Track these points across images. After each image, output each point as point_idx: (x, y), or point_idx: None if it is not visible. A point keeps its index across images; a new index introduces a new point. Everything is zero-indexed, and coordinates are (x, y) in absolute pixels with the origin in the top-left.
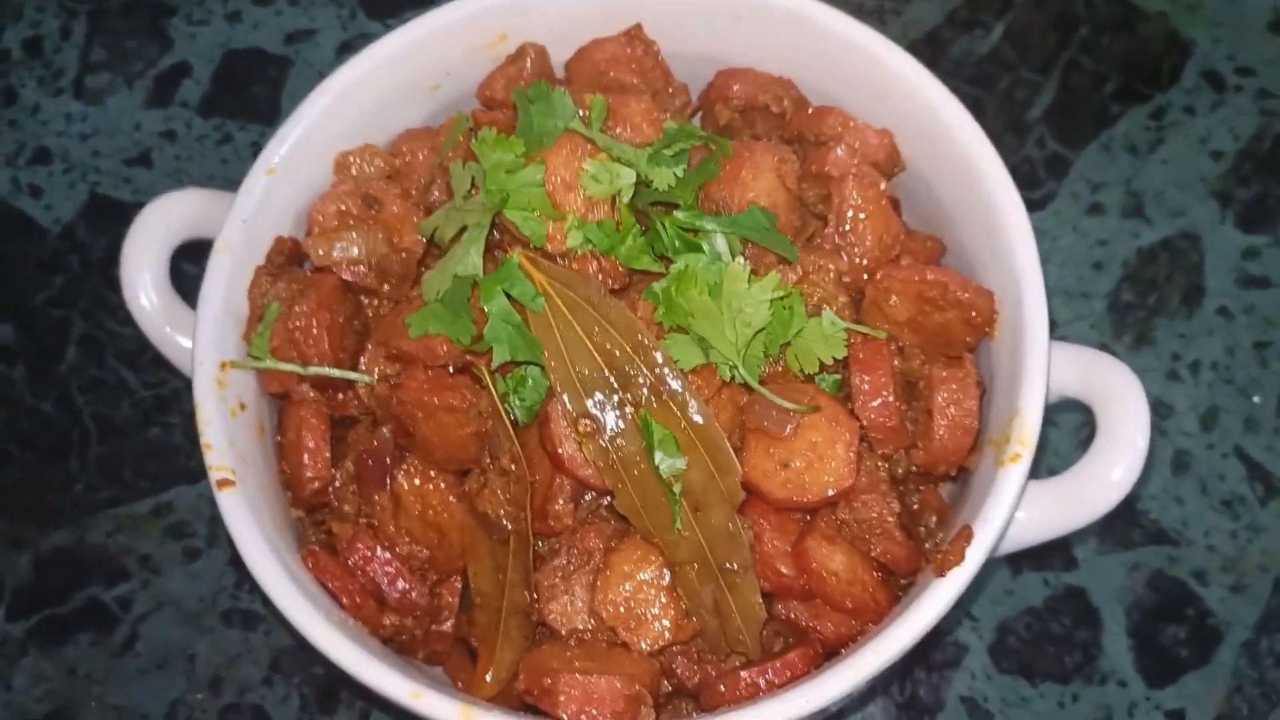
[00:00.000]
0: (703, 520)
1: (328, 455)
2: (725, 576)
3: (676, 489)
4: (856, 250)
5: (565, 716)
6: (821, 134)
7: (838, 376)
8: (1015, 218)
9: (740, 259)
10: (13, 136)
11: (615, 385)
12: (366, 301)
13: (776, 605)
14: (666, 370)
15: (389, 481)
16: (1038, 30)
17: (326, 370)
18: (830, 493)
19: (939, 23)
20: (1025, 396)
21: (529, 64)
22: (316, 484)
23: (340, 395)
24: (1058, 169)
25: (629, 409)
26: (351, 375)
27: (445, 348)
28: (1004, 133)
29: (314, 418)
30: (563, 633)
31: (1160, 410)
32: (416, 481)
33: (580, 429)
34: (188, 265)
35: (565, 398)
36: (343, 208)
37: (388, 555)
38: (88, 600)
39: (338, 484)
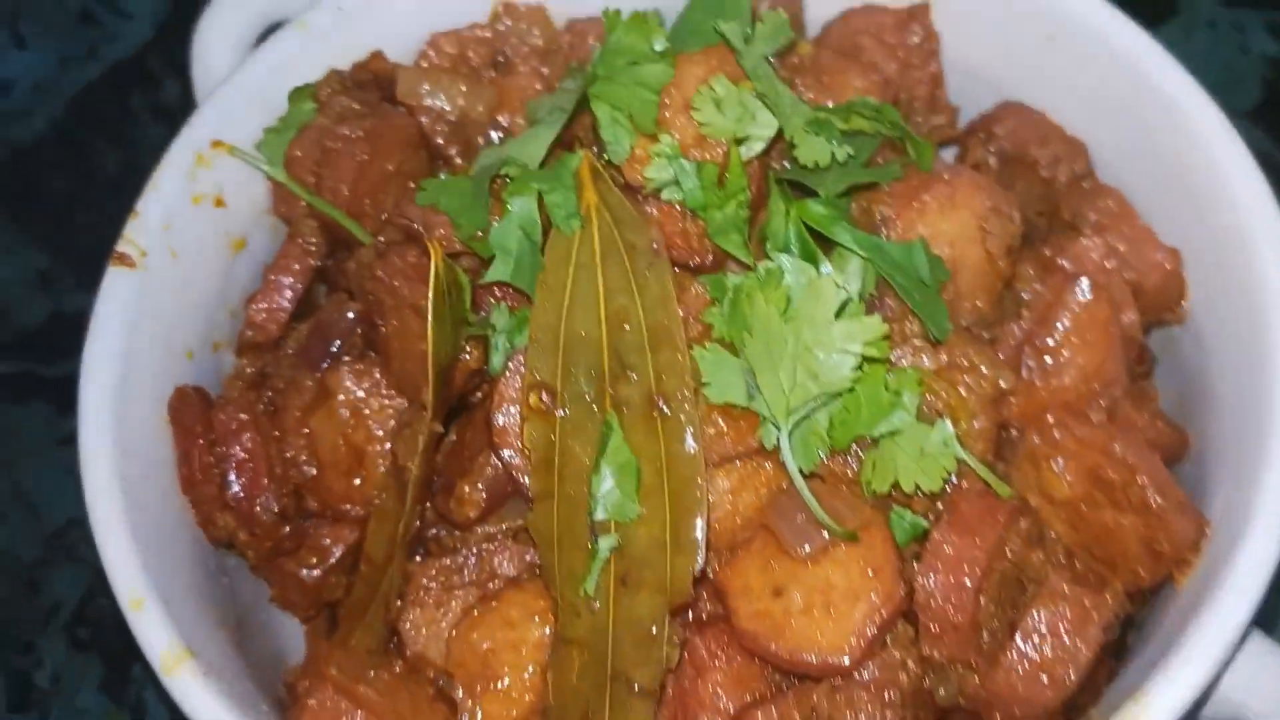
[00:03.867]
0: (623, 601)
1: (287, 307)
2: (615, 690)
3: (606, 541)
4: (1045, 377)
5: None
6: (1082, 214)
7: (923, 521)
8: None
9: (838, 281)
10: None
11: (605, 370)
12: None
13: None
14: (678, 381)
15: (324, 366)
16: None
17: (329, 210)
18: (812, 659)
19: None
20: (1165, 680)
21: None
22: (255, 333)
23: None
24: None
25: (604, 407)
26: (351, 225)
27: (444, 230)
28: None
29: (297, 261)
30: (408, 651)
31: None
32: (360, 386)
33: (531, 401)
34: None
35: (534, 353)
36: (465, 52)
37: (255, 441)
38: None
39: (289, 351)
